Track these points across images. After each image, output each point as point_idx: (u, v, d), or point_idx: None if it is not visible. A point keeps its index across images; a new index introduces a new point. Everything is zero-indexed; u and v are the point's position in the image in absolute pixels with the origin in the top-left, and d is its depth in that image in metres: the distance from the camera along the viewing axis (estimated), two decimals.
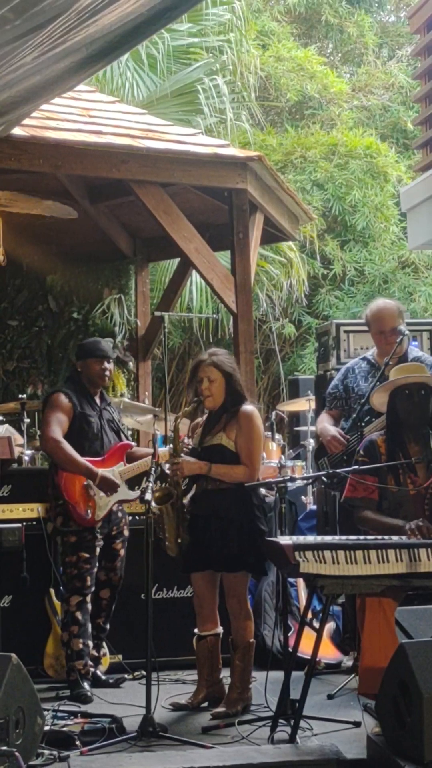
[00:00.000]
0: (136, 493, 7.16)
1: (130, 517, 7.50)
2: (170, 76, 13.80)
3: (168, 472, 6.55)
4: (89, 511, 7.02)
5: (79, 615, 7.00)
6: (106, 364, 7.26)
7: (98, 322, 10.32)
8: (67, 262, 10.54)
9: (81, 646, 6.98)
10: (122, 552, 7.27)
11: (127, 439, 7.45)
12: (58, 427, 7.08)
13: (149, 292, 11.02)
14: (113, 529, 7.22)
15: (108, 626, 7.27)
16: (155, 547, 6.15)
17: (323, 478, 7.10)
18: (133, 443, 7.39)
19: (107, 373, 7.28)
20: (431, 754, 4.90)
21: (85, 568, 7.03)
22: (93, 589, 7.09)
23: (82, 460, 7.05)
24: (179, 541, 6.50)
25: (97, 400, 7.33)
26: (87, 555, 7.04)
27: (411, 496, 6.09)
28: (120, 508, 7.28)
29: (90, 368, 7.27)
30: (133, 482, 7.30)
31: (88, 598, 7.07)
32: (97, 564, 7.14)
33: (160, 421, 8.26)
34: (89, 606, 7.08)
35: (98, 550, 7.10)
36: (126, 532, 7.30)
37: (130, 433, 9.65)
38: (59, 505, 7.08)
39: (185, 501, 6.63)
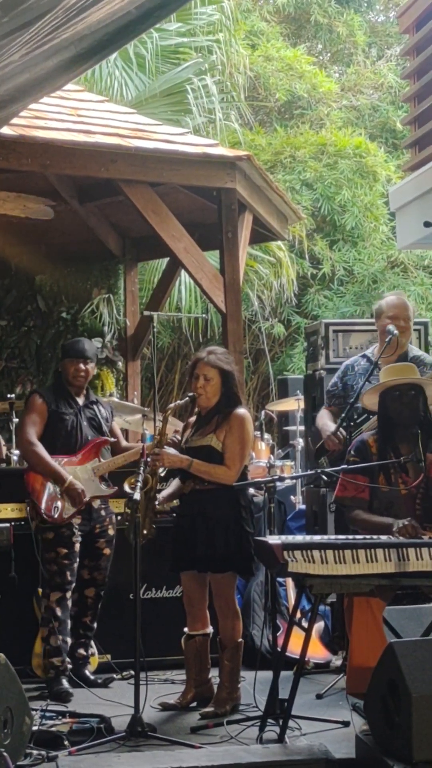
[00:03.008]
0: (111, 489, 7.24)
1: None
2: (159, 76, 13.79)
3: (149, 460, 6.53)
4: (56, 508, 7.04)
5: (59, 611, 7.02)
6: (80, 365, 7.27)
7: (87, 322, 10.31)
8: (56, 262, 10.53)
9: (59, 642, 6.99)
10: (107, 551, 7.27)
11: (111, 436, 7.45)
12: (33, 428, 7.16)
13: (138, 291, 11.01)
14: (95, 527, 7.22)
15: (95, 625, 7.28)
16: (144, 547, 6.14)
17: (322, 477, 7.12)
18: (111, 438, 7.38)
19: (82, 373, 7.29)
20: (420, 754, 4.90)
21: (64, 563, 7.05)
22: (73, 585, 7.11)
23: (54, 465, 7.10)
24: (144, 532, 6.45)
25: (80, 399, 7.34)
26: (65, 550, 7.05)
27: (402, 495, 6.10)
28: (104, 506, 7.29)
29: (66, 368, 7.32)
30: (115, 479, 7.31)
31: (68, 595, 7.08)
32: (79, 561, 7.16)
33: (149, 421, 8.24)
34: (69, 603, 7.09)
35: (77, 546, 7.11)
36: (111, 531, 7.30)
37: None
38: (32, 503, 7.13)
39: (159, 496, 6.63)
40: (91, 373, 7.40)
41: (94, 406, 7.42)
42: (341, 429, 7.13)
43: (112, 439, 7.40)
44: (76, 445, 7.23)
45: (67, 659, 7.03)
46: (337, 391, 7.40)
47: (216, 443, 6.47)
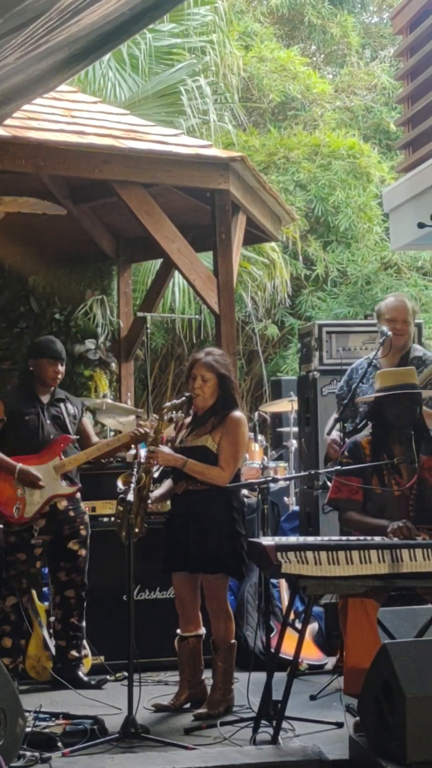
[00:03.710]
0: (73, 487, 7.24)
1: (107, 518, 7.52)
2: (153, 77, 13.78)
3: (143, 459, 6.52)
4: (17, 509, 7.04)
5: (12, 616, 7.10)
6: (59, 366, 7.30)
7: (80, 323, 10.30)
8: (49, 263, 10.52)
9: (10, 644, 7.06)
10: (82, 552, 7.26)
11: (79, 433, 7.42)
12: None
13: (132, 293, 11.01)
14: (64, 528, 7.21)
15: (84, 623, 7.29)
16: (137, 548, 6.13)
17: (322, 479, 7.15)
18: (74, 436, 7.35)
19: (59, 375, 7.31)
20: (414, 755, 4.90)
21: (22, 569, 7.10)
22: (31, 590, 7.17)
23: (0, 455, 7.10)
24: (136, 530, 6.43)
25: (45, 398, 7.33)
26: (24, 557, 7.10)
27: (395, 497, 6.10)
28: (71, 506, 7.27)
29: (42, 368, 7.29)
30: (110, 479, 7.31)
31: (25, 599, 7.13)
32: (54, 564, 7.24)
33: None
34: (26, 605, 7.15)
35: (38, 551, 7.14)
36: (83, 532, 7.29)
37: (112, 434, 9.64)
38: None
39: (152, 495, 6.63)
40: (62, 374, 7.42)
41: (61, 404, 7.39)
42: (338, 432, 7.15)
43: (74, 437, 7.35)
44: (39, 444, 7.21)
45: (20, 659, 7.13)
46: (344, 394, 7.40)
47: (211, 444, 6.47)
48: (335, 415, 7.49)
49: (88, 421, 7.67)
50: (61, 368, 7.32)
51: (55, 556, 7.24)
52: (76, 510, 7.30)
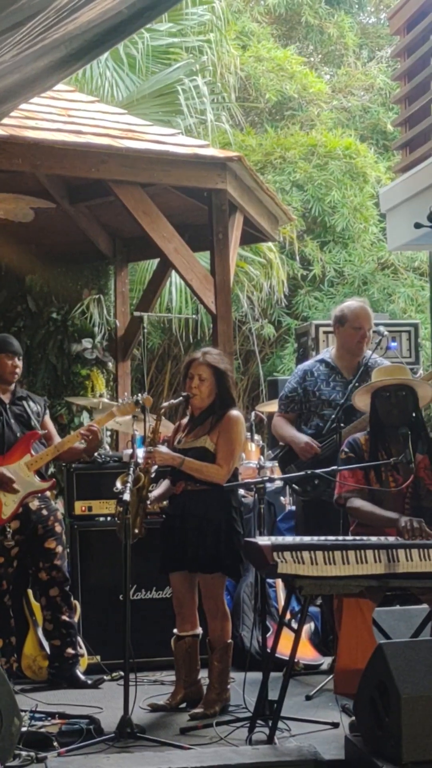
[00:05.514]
0: (47, 483, 7.21)
1: (103, 518, 7.51)
2: (150, 77, 13.77)
3: (140, 460, 6.53)
4: None
5: None
6: (16, 360, 7.28)
7: (77, 323, 10.31)
8: (46, 263, 10.51)
9: (1, 644, 7.05)
10: (59, 549, 7.24)
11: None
12: None
13: (129, 292, 11.00)
14: (38, 528, 7.20)
15: (75, 619, 7.30)
16: (133, 548, 6.13)
17: (295, 486, 7.15)
18: (41, 430, 7.33)
19: (18, 369, 7.29)
20: (409, 755, 4.90)
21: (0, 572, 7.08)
22: (10, 589, 7.14)
23: None
24: (136, 531, 6.43)
25: (6, 397, 7.31)
26: (2, 559, 7.09)
27: (392, 494, 6.11)
28: (43, 505, 7.26)
29: (1, 363, 7.25)
30: (102, 480, 7.31)
31: (6, 598, 7.12)
32: (34, 565, 7.22)
33: (139, 422, 8.23)
34: (8, 604, 7.14)
35: (15, 551, 7.12)
36: (58, 528, 7.28)
37: (108, 433, 9.63)
38: None
39: (150, 495, 6.63)
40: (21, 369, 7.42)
41: (23, 402, 7.37)
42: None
43: (43, 431, 7.34)
44: (5, 444, 7.18)
45: (13, 658, 7.13)
46: (298, 396, 7.40)
47: (210, 445, 6.47)
48: (280, 417, 7.49)
49: (50, 420, 7.63)
50: (19, 362, 7.30)
51: (33, 558, 7.22)
52: (48, 508, 7.29)
